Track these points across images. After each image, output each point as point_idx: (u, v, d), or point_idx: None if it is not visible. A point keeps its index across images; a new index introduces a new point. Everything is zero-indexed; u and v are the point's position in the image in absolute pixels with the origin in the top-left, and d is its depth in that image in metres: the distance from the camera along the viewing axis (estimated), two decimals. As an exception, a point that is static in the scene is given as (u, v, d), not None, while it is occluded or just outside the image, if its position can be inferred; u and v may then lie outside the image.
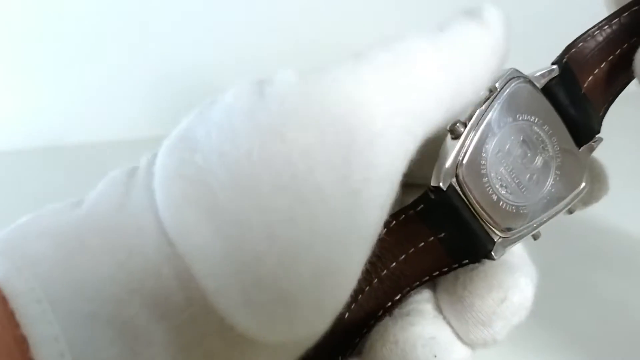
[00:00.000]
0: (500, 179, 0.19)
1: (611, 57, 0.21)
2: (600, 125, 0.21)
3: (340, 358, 0.20)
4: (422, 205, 0.19)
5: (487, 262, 0.19)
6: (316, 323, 0.17)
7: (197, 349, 0.15)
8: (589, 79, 0.21)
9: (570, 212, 0.21)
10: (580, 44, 0.21)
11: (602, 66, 0.21)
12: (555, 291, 0.38)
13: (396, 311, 0.20)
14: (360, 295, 0.19)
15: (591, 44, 0.21)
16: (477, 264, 0.20)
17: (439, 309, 0.20)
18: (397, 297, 0.20)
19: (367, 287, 0.19)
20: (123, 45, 0.51)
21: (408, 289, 0.20)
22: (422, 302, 0.20)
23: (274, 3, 0.53)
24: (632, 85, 0.22)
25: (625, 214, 0.42)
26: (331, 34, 0.55)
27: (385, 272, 0.20)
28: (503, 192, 0.19)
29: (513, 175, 0.20)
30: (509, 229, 0.19)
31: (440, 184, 0.19)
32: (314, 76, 0.16)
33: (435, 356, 0.18)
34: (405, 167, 0.16)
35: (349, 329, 0.19)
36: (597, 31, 0.21)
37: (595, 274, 0.39)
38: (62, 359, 0.14)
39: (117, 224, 0.16)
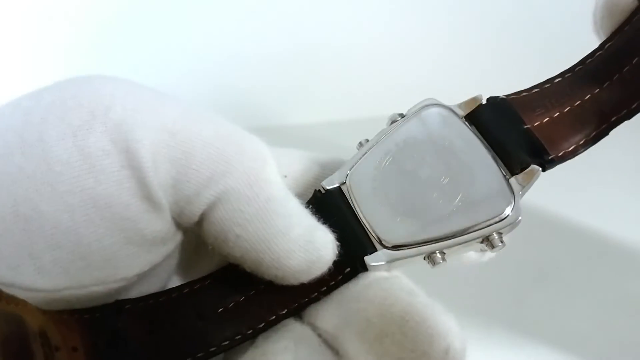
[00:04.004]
0: (394, 192, 0.20)
1: (576, 103, 0.21)
2: (549, 164, 0.20)
3: None
4: (309, 206, 0.19)
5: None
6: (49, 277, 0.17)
7: None
8: (544, 119, 0.21)
9: (489, 246, 0.19)
10: (537, 89, 0.21)
11: (563, 110, 0.21)
12: (555, 293, 0.38)
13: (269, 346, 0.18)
14: (233, 303, 0.19)
15: (550, 87, 0.21)
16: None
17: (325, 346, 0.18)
18: (266, 322, 0.19)
19: (232, 304, 0.19)
20: (125, 47, 0.51)
21: (275, 316, 0.19)
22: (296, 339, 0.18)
23: (274, 4, 0.53)
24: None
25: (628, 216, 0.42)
26: (331, 37, 0.54)
27: (255, 289, 0.19)
28: (394, 204, 0.19)
29: (411, 191, 0.20)
30: (397, 244, 0.19)
31: (325, 185, 0.20)
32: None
33: None
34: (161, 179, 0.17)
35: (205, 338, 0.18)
36: (558, 79, 0.22)
37: (595, 275, 0.39)
38: None
39: None
